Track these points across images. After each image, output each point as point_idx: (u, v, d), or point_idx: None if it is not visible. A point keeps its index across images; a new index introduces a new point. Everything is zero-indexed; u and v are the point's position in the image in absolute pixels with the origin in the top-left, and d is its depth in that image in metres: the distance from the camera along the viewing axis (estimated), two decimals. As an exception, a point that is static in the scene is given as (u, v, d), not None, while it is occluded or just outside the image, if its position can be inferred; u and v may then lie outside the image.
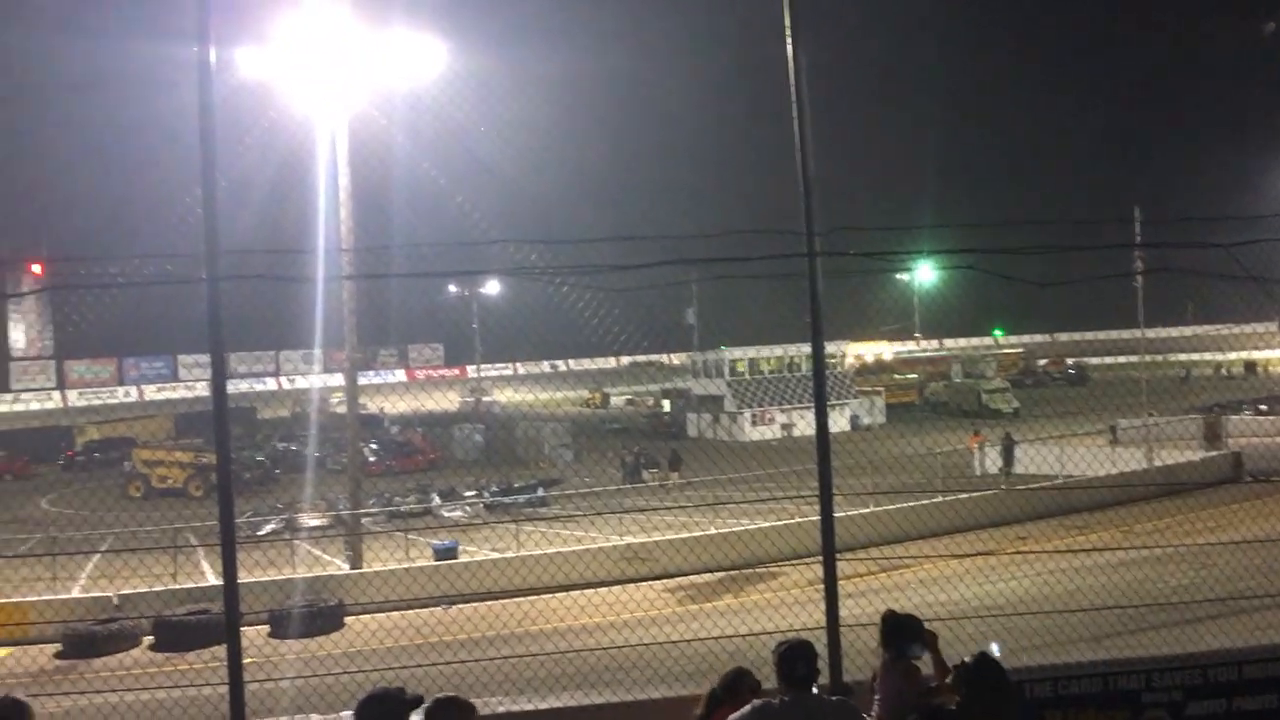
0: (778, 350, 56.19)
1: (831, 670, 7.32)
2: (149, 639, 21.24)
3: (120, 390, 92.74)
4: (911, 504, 26.98)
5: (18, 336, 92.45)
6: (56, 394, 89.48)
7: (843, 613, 7.77)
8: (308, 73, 25.71)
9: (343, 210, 25.98)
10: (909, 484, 29.01)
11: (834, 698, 5.85)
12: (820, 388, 8.21)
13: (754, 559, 23.63)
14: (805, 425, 49.69)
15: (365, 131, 26.57)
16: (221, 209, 7.30)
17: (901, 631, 6.23)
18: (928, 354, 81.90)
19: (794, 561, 22.77)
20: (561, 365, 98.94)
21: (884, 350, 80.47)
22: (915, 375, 68.67)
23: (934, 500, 27.54)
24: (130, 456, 47.27)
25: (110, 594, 22.94)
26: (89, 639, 20.69)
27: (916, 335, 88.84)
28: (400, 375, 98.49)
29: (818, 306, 8.03)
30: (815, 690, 5.56)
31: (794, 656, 5.45)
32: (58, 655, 20.57)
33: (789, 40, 7.76)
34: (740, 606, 20.59)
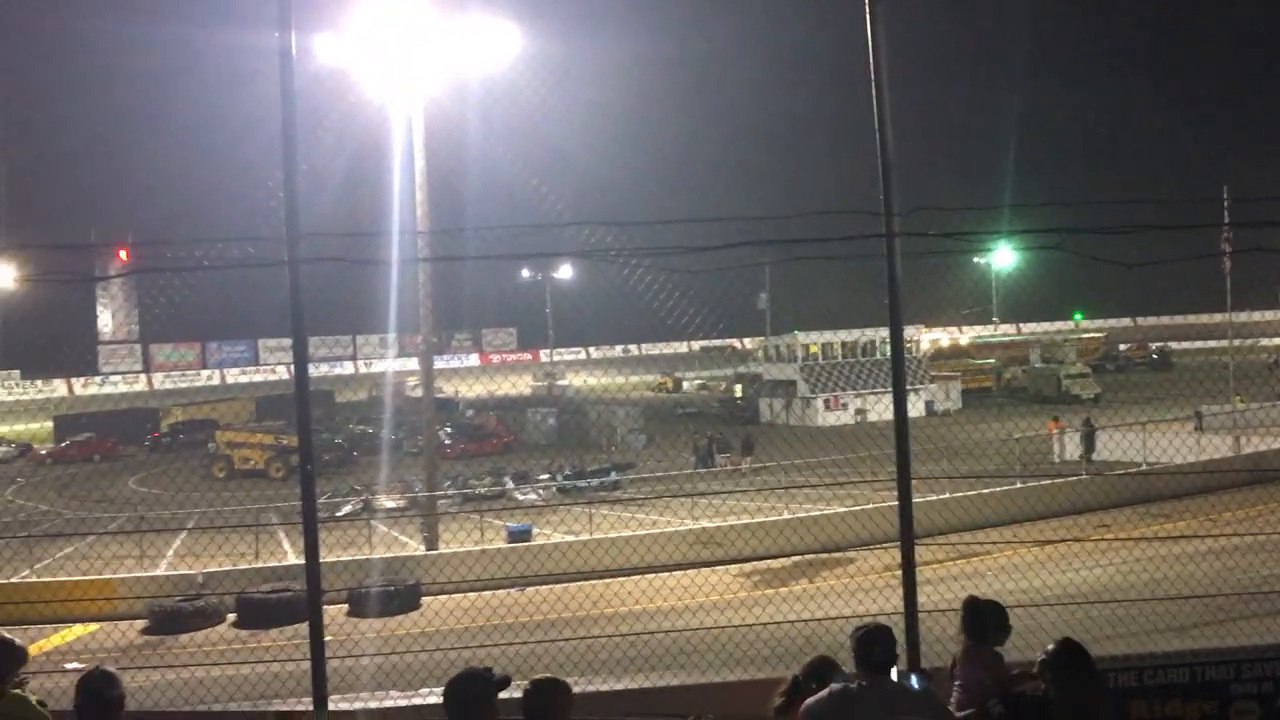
0: (851, 334, 55.70)
1: (909, 656, 7.22)
2: (232, 616, 21.74)
3: (203, 373, 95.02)
4: (989, 490, 26.60)
5: (105, 320, 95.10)
6: (142, 377, 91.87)
7: (920, 599, 7.67)
8: (384, 59, 25.99)
9: (418, 194, 26.27)
10: (986, 470, 28.58)
11: (912, 683, 5.76)
12: (899, 372, 8.06)
13: (828, 544, 23.47)
14: (879, 411, 49.22)
15: (440, 116, 26.81)
16: (301, 193, 7.40)
17: (983, 618, 6.13)
18: (1005, 338, 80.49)
19: (868, 547, 22.60)
20: (634, 349, 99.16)
21: (960, 335, 79.33)
22: (992, 360, 67.56)
23: (1012, 486, 27.11)
24: (214, 438, 48.48)
25: (195, 572, 23.52)
26: (174, 615, 21.24)
27: (994, 319, 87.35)
28: (474, 359, 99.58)
29: (896, 289, 7.88)
30: (894, 676, 5.50)
31: (872, 641, 5.38)
32: (144, 631, 21.16)
33: (868, 15, 7.62)
34: (814, 591, 20.47)
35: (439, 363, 34.85)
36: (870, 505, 25.62)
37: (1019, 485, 27.37)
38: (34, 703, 5.57)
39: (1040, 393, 57.02)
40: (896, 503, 7.69)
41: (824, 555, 23.66)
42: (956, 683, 6.10)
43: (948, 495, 26.09)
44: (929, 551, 17.81)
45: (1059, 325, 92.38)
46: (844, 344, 56.06)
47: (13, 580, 24.14)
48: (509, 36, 27.27)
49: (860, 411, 52.45)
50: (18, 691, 5.56)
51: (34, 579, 24.17)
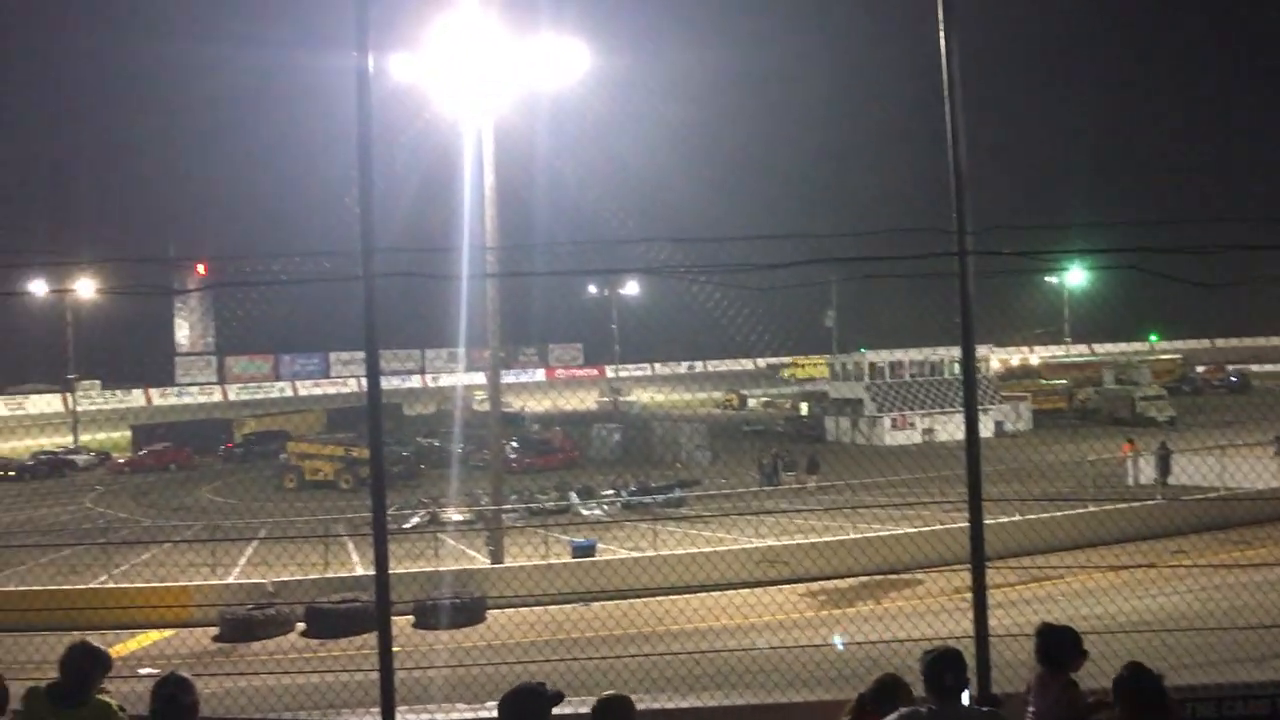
0: (920, 353, 55.15)
1: (979, 681, 7.10)
2: (301, 625, 22.02)
3: (276, 385, 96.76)
4: (1061, 513, 26.09)
5: (183, 333, 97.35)
6: (218, 388, 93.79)
7: (990, 623, 7.55)
8: (456, 78, 26.35)
9: (488, 210, 26.54)
10: (1058, 492, 28.06)
11: (982, 709, 5.67)
12: (971, 391, 7.95)
13: (894, 565, 23.21)
14: (946, 430, 48.63)
15: (510, 133, 27.08)
16: (375, 209, 7.52)
17: (1059, 644, 6.01)
18: (1078, 359, 79.10)
19: (935, 569, 22.30)
20: (699, 366, 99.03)
21: (1030, 354, 78.14)
22: (1064, 381, 66.39)
23: (1085, 510, 26.57)
24: (285, 449, 49.32)
25: (265, 581, 23.89)
26: (246, 623, 21.56)
27: (1066, 339, 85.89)
28: (540, 374, 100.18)
29: (969, 308, 7.78)
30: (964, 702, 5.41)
31: (942, 665, 5.31)
32: (216, 638, 21.51)
33: (941, 27, 7.56)
34: (880, 613, 20.23)
35: (506, 377, 35.11)
36: (938, 526, 25.27)
37: (1092, 508, 26.83)
38: (115, 708, 5.70)
39: (1114, 415, 55.86)
40: (965, 524, 7.59)
41: (890, 576, 23.38)
42: (1030, 709, 5.99)
43: (1018, 517, 25.65)
44: (999, 574, 17.49)
45: (1133, 346, 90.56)
46: (912, 362, 55.53)
47: (92, 586, 24.73)
48: (578, 54, 27.51)
49: (928, 431, 51.86)
50: (102, 697, 5.70)
51: (112, 585, 24.71)
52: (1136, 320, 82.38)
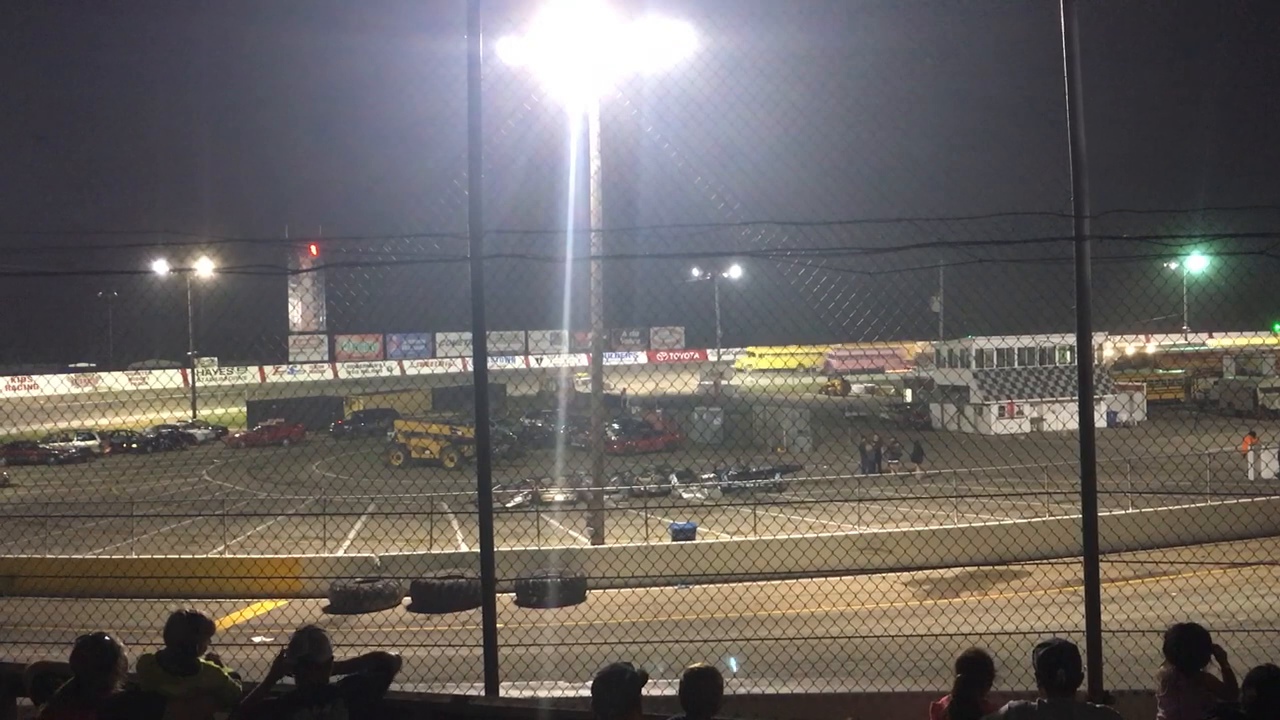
0: (1028, 340, 53.84)
1: (1091, 677, 6.92)
2: (407, 600, 22.52)
3: (383, 365, 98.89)
4: (1177, 507, 25.25)
5: (296, 312, 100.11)
6: (328, 367, 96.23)
7: (1102, 618, 7.34)
8: (563, 60, 26.47)
9: (593, 192, 26.66)
10: (1173, 486, 27.13)
11: (1095, 705, 5.52)
12: (1086, 380, 7.72)
13: (999, 556, 22.75)
14: (1057, 420, 47.38)
15: (616, 115, 27.11)
16: (483, 191, 7.59)
17: (1192, 643, 5.81)
18: (1196, 348, 76.32)
19: (1042, 561, 21.79)
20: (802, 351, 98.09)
21: (1146, 343, 75.67)
22: (1181, 370, 64.16)
23: (1202, 504, 25.66)
24: (392, 427, 50.40)
25: (373, 555, 24.50)
26: (354, 596, 22.14)
27: (1184, 327, 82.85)
28: (642, 357, 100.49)
29: (1086, 294, 7.55)
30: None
31: (1056, 660, 5.18)
32: (326, 610, 22.13)
33: (1062, 3, 7.32)
34: (986, 604, 19.82)
35: (608, 360, 35.27)
36: (1048, 517, 24.67)
37: (1209, 503, 25.90)
38: (227, 674, 5.89)
39: (1234, 406, 53.82)
40: (1076, 516, 7.40)
41: (996, 567, 22.92)
42: (1160, 713, 5.82)
43: (1132, 510, 24.94)
44: (1111, 568, 17.03)
45: (1257, 336, 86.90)
46: (1022, 349, 54.23)
47: (210, 556, 25.65)
48: (684, 36, 27.35)
49: (1036, 420, 50.64)
50: (211, 662, 5.88)
51: (228, 555, 25.59)
52: (1261, 309, 79.04)
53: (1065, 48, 7.35)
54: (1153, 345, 75.57)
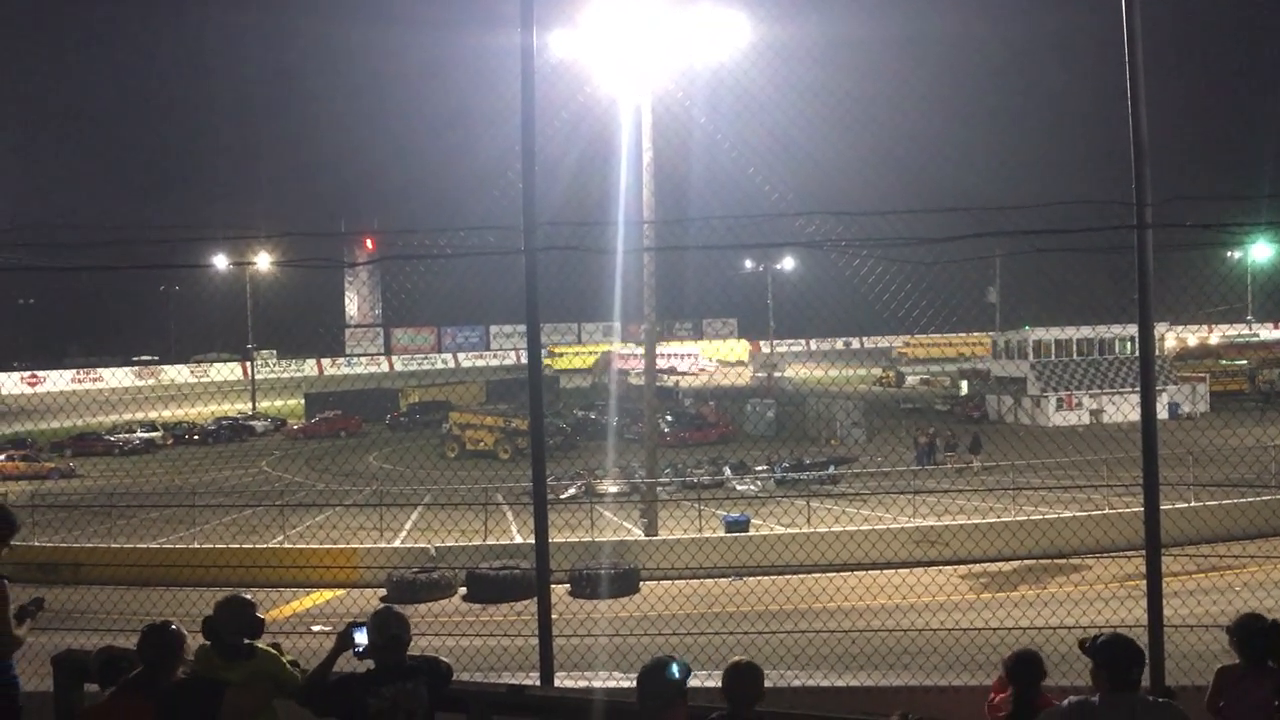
0: (1087, 331, 53.05)
1: (1153, 672, 6.81)
2: (462, 590, 22.73)
3: (438, 357, 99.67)
4: (1240, 500, 24.75)
5: (352, 305, 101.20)
6: (384, 359, 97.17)
7: (1164, 612, 7.22)
8: (616, 52, 26.49)
9: (645, 184, 26.65)
10: (1237, 478, 26.59)
11: (1159, 700, 5.43)
12: (1148, 371, 7.59)
13: (1057, 550, 22.45)
14: (1118, 411, 46.64)
15: (668, 106, 27.08)
16: (537, 183, 7.62)
17: (1266, 637, 5.69)
18: (1261, 338, 74.66)
19: (1102, 555, 21.49)
20: (855, 342, 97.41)
21: (1209, 334, 74.14)
22: (1245, 361, 62.78)
23: (1267, 498, 25.13)
24: (447, 419, 50.86)
25: (429, 545, 24.74)
26: (410, 585, 22.36)
27: (1248, 318, 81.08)
28: (695, 349, 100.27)
29: (1147, 284, 7.40)
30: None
31: (1116, 655, 5.09)
32: (382, 599, 22.38)
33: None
34: (1045, 597, 19.60)
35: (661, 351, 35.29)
36: (1108, 510, 24.31)
37: (1275, 496, 25.35)
38: (285, 662, 5.97)
39: (1300, 397, 52.65)
40: (1136, 509, 7.30)
41: (1055, 561, 22.63)
42: (1221, 703, 5.71)
43: (1195, 503, 24.48)
44: (1174, 562, 16.76)
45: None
46: (1081, 340, 53.44)
47: (270, 545, 26.05)
48: (738, 26, 27.24)
49: (1095, 412, 49.89)
50: (270, 648, 5.96)
51: (288, 545, 25.97)
52: (1329, 298, 77.18)
53: (1127, 31, 7.21)
54: (1216, 335, 73.98)
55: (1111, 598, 17.18)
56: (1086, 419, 49.56)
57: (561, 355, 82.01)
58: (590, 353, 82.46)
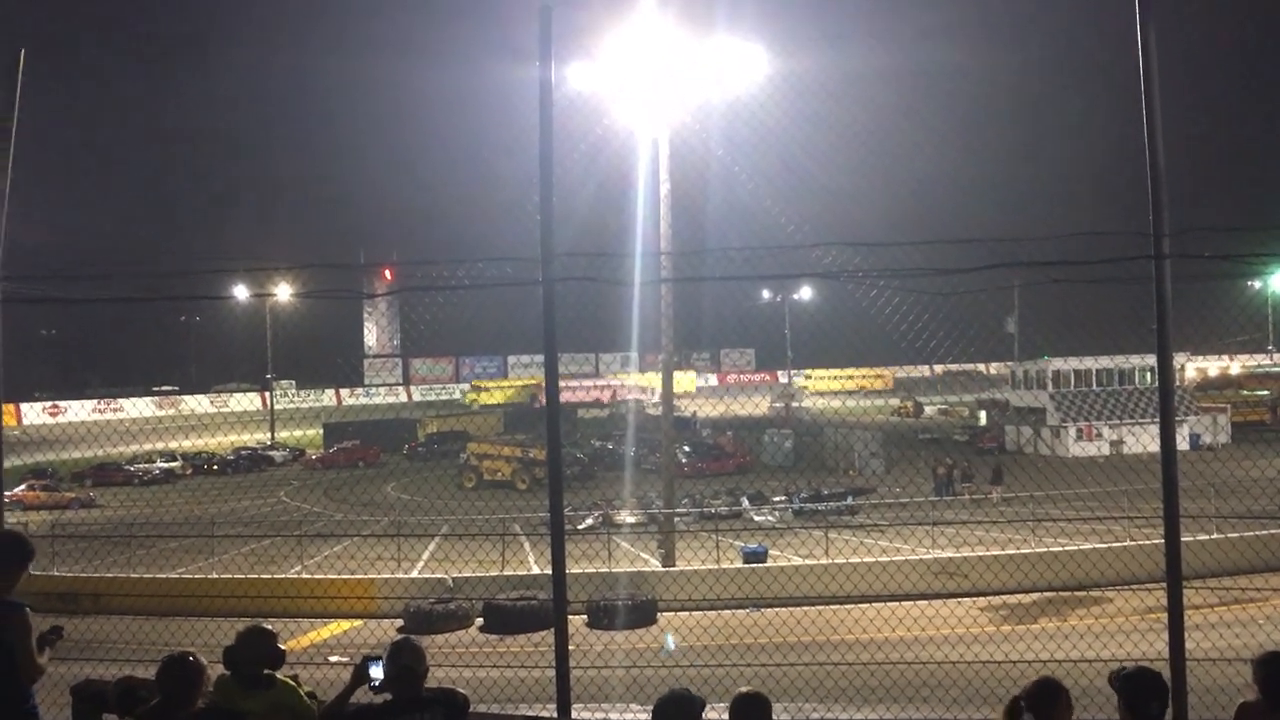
0: (1106, 361, 52.86)
1: (1176, 706, 6.75)
2: (479, 620, 22.66)
3: (456, 387, 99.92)
4: (1263, 532, 24.49)
5: (371, 335, 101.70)
6: (402, 389, 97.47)
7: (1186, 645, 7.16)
8: (633, 84, 26.68)
9: (663, 215, 26.75)
10: (1260, 510, 26.34)
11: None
12: (1167, 401, 7.55)
13: (1078, 582, 22.25)
14: (1138, 442, 46.36)
15: (686, 138, 27.22)
16: (554, 215, 7.68)
17: None
18: (1283, 369, 74.15)
19: (1124, 587, 21.28)
20: (873, 373, 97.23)
21: (1229, 363, 73.72)
22: (1267, 391, 62.33)
23: (1292, 529, 24.86)
24: (465, 449, 50.91)
25: (445, 576, 24.70)
26: (428, 616, 22.28)
27: (1269, 347, 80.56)
28: (712, 379, 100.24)
29: (1166, 314, 7.40)
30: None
31: (1141, 689, 5.04)
32: (399, 630, 22.32)
33: (1138, 19, 7.20)
34: (1066, 630, 19.41)
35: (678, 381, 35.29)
36: (1129, 542, 24.11)
37: (1301, 528, 25.09)
38: (303, 692, 5.97)
39: (1324, 428, 52.18)
40: (1158, 540, 7.23)
41: (1075, 593, 22.43)
42: None
43: (1216, 535, 24.26)
44: (1195, 594, 16.59)
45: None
46: (1100, 370, 53.24)
47: (288, 575, 26.07)
48: (756, 59, 27.42)
49: (1116, 443, 49.56)
50: (288, 680, 5.97)
51: (306, 575, 25.98)
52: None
53: (1142, 61, 7.23)
54: (1237, 366, 73.54)
55: (1133, 630, 16.99)
56: (1106, 450, 49.25)
57: (486, 390, 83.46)
58: (511, 386, 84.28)
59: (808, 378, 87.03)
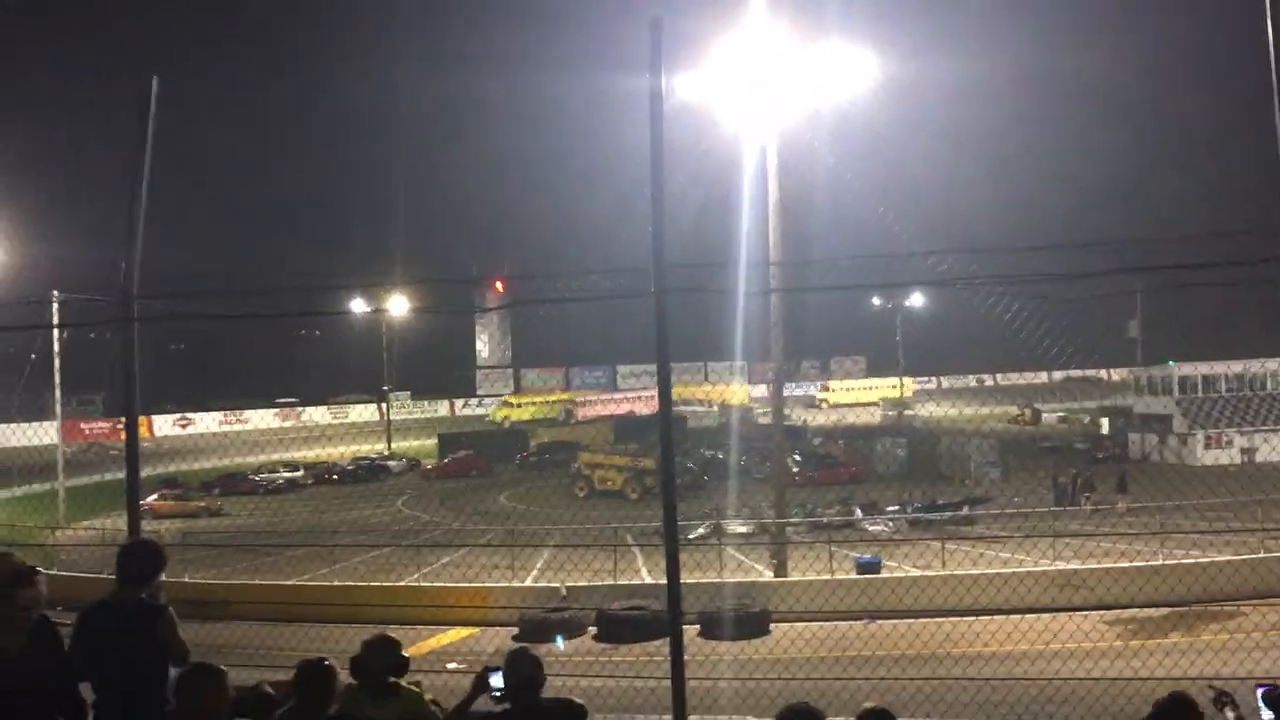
0: (1236, 365, 50.81)
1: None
2: (592, 630, 22.77)
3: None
4: None
5: (482, 347, 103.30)
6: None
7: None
8: (741, 93, 26.61)
9: (772, 225, 26.61)
10: None
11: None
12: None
13: (1210, 595, 21.37)
14: (1273, 450, 44.44)
15: (794, 145, 27.06)
16: (666, 225, 7.69)
17: None
18: None
19: (1260, 602, 20.40)
20: (988, 379, 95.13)
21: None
22: None
23: None
24: (576, 459, 51.34)
25: (559, 585, 24.91)
26: (542, 624, 22.45)
27: None
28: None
29: (1304, 315, 7.10)
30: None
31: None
32: (515, 638, 22.54)
33: (1269, 15, 6.93)
34: (1198, 646, 18.65)
35: (788, 390, 35.02)
36: (1263, 554, 23.10)
37: None
38: (426, 700, 6.09)
39: None
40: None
41: (1207, 607, 21.55)
42: None
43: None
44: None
45: None
46: (1230, 375, 51.16)
47: (405, 583, 26.61)
48: (866, 64, 27.13)
49: (1248, 450, 47.52)
50: (413, 687, 6.10)
51: (423, 583, 26.48)
52: None
53: (1274, 62, 6.96)
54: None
55: (1271, 646, 16.28)
56: (1238, 458, 47.29)
57: (516, 405, 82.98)
58: (543, 401, 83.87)
59: (825, 390, 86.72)
